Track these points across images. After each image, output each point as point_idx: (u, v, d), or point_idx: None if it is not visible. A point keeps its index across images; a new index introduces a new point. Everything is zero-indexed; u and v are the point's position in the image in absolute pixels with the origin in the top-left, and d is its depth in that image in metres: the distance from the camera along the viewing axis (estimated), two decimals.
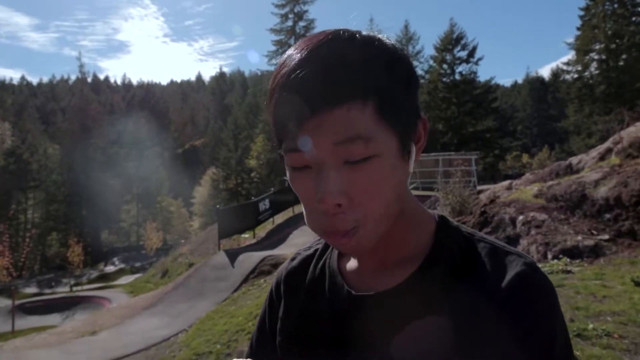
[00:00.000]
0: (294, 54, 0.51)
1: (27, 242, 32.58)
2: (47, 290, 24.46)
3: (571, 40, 35.66)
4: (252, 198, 18.29)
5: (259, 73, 59.14)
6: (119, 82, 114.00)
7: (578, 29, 34.13)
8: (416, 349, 0.51)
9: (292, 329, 0.66)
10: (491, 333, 0.48)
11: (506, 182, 9.79)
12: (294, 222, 14.82)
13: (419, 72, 43.24)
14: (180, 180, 55.39)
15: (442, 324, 0.50)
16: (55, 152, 52.30)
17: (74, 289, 23.37)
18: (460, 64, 39.23)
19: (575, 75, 35.11)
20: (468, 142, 36.17)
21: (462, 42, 38.93)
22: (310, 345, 0.61)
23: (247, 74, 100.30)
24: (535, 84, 60.90)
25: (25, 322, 15.67)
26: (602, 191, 5.89)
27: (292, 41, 39.10)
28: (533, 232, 5.72)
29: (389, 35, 0.55)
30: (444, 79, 39.36)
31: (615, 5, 31.80)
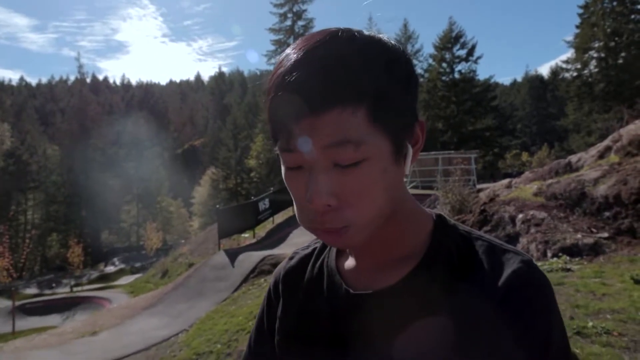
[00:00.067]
0: (291, 53, 0.51)
1: (27, 243, 32.56)
2: (48, 291, 24.44)
3: (570, 38, 35.75)
4: (252, 198, 18.28)
5: (258, 73, 59.11)
6: (118, 82, 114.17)
7: (577, 27, 34.14)
8: (415, 348, 0.51)
9: (290, 328, 0.66)
10: (489, 331, 0.48)
11: (506, 181, 9.80)
12: (294, 222, 14.80)
13: (418, 70, 43.06)
14: (180, 181, 55.39)
15: (440, 322, 0.51)
16: (54, 153, 52.29)
17: (74, 289, 23.36)
18: (459, 62, 39.24)
19: (575, 74, 35.13)
20: (467, 141, 36.19)
21: (462, 40, 38.93)
22: (309, 344, 0.62)
23: (246, 73, 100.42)
24: (534, 82, 60.90)
25: (25, 322, 15.67)
26: (602, 189, 5.90)
27: (291, 40, 39.06)
28: (532, 230, 5.72)
29: (389, 35, 0.55)
30: (443, 78, 39.37)
31: (614, 3, 31.80)
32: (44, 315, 16.97)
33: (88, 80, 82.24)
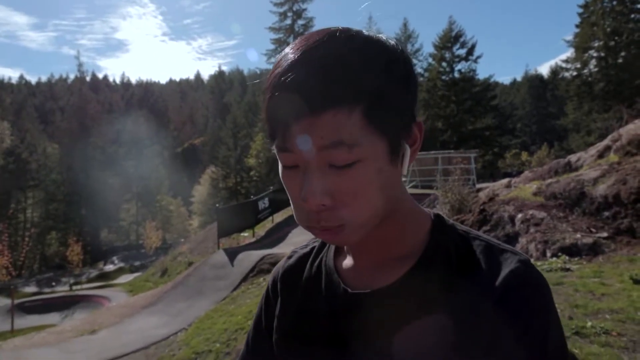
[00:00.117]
0: (289, 53, 0.51)
1: (27, 241, 32.49)
2: (47, 290, 24.47)
3: (570, 37, 35.74)
4: (252, 197, 18.26)
5: (258, 71, 59.07)
6: (117, 81, 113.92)
7: (577, 26, 34.15)
8: (413, 347, 0.51)
9: (288, 327, 0.66)
10: (487, 330, 0.48)
11: (505, 180, 9.80)
12: (293, 221, 14.74)
13: (418, 70, 43.26)
14: (180, 179, 55.38)
15: (438, 321, 0.51)
16: (54, 151, 52.25)
17: (74, 288, 23.37)
18: (459, 61, 39.26)
19: (574, 73, 35.14)
20: (467, 140, 36.21)
21: (461, 40, 38.95)
22: (307, 343, 0.62)
23: (246, 72, 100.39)
24: (534, 82, 60.89)
25: (24, 321, 15.68)
26: (601, 189, 5.90)
27: (291, 39, 39.01)
28: (532, 230, 5.73)
29: (388, 35, 0.54)
30: (443, 77, 39.39)
31: (614, 3, 31.80)
32: (43, 314, 16.99)
33: (88, 78, 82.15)
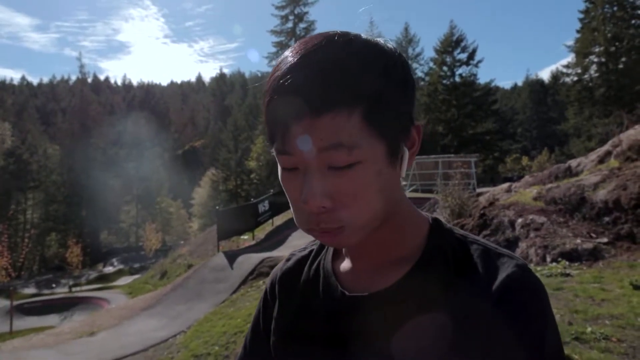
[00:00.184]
0: (288, 56, 0.51)
1: (26, 243, 32.57)
2: (46, 291, 24.43)
3: (571, 43, 35.73)
4: (252, 199, 18.27)
5: (259, 74, 59.18)
6: (119, 82, 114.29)
7: (578, 31, 34.25)
8: (411, 349, 0.52)
9: (286, 329, 0.66)
10: (484, 334, 0.49)
11: (505, 185, 9.81)
12: (293, 224, 14.73)
13: (419, 74, 43.41)
14: (180, 181, 55.38)
15: (436, 323, 0.51)
16: (55, 153, 52.28)
17: (73, 289, 23.35)
18: (460, 66, 39.31)
19: (575, 78, 35.22)
20: (468, 145, 36.20)
21: (462, 44, 39.02)
22: (305, 346, 0.62)
23: (247, 75, 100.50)
24: (535, 87, 61.00)
25: (23, 322, 15.66)
26: (601, 194, 5.89)
27: (292, 43, 38.65)
28: (532, 235, 5.72)
29: (387, 39, 0.55)
30: (444, 81, 39.43)
31: (615, 8, 31.90)
32: (42, 315, 16.97)
33: (89, 80, 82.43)
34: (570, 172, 8.37)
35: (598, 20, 32.27)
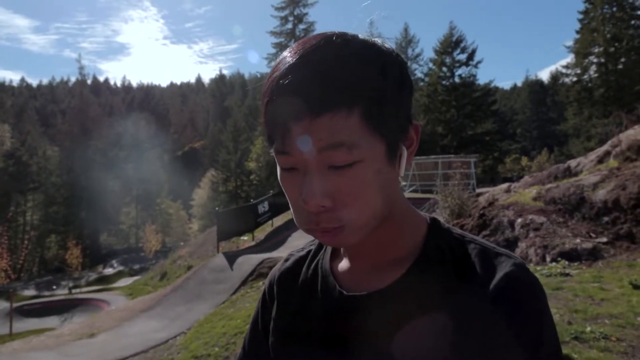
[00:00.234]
0: (287, 57, 0.52)
1: (26, 244, 32.54)
2: (46, 293, 24.39)
3: (570, 43, 35.75)
4: (252, 200, 18.26)
5: (259, 75, 59.20)
6: (118, 84, 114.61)
7: (577, 32, 34.28)
8: (410, 348, 0.52)
9: (285, 329, 0.66)
10: (482, 332, 0.49)
11: (505, 185, 9.82)
12: (293, 225, 14.77)
13: (419, 75, 43.46)
14: (180, 183, 55.32)
15: (434, 323, 0.51)
16: (54, 154, 52.20)
17: (73, 291, 23.31)
18: (459, 66, 39.34)
19: (575, 79, 35.25)
20: (467, 145, 36.21)
21: (462, 45, 39.05)
22: (303, 346, 0.62)
23: (247, 76, 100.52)
24: (534, 87, 61.02)
25: (23, 324, 15.64)
26: (601, 194, 5.90)
27: (291, 44, 38.86)
28: (531, 234, 5.73)
29: (385, 40, 0.55)
30: (444, 82, 39.45)
31: (614, 9, 31.94)
32: (42, 317, 16.94)
33: (89, 81, 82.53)
34: (569, 172, 8.37)
35: (597, 21, 32.31)
